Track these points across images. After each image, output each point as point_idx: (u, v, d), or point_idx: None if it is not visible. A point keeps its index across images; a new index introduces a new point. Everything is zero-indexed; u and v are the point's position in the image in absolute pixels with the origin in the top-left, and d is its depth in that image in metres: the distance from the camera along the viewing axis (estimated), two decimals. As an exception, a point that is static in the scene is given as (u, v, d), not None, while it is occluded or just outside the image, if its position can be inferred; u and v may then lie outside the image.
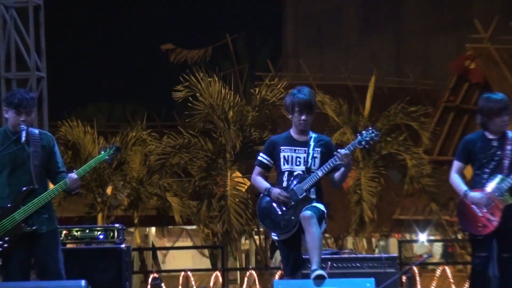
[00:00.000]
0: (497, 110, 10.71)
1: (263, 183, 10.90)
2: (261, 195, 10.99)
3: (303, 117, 10.77)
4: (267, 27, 47.50)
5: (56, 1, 24.50)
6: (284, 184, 10.79)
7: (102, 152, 11.20)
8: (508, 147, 10.66)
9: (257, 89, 28.41)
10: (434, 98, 35.22)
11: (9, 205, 10.83)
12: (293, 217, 10.67)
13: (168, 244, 34.09)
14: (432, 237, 29.97)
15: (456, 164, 11.07)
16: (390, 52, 46.37)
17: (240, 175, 26.76)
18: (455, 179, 10.96)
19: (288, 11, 51.02)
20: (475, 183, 10.85)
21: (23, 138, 10.83)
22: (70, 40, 46.64)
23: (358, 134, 11.03)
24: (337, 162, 10.58)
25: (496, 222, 10.60)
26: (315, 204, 10.69)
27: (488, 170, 10.74)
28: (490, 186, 10.66)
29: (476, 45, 34.41)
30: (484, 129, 10.86)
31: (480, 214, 10.69)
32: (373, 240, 30.47)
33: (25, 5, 21.02)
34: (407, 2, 48.21)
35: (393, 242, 32.94)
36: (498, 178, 10.66)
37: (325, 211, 10.83)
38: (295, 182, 10.75)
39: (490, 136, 10.81)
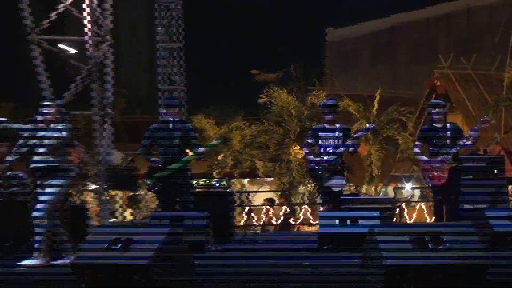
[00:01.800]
0: (431, 106, 10.93)
1: (310, 156, 10.99)
2: (309, 162, 11.07)
3: (330, 115, 10.95)
4: (315, 59, 47.18)
5: (193, 44, 24.49)
6: (322, 155, 10.84)
7: (215, 140, 11.47)
8: (448, 132, 10.73)
9: (309, 97, 28.30)
10: (415, 103, 34.75)
11: (160, 165, 10.93)
12: (327, 175, 10.76)
13: (255, 189, 34.01)
14: (413, 186, 29.55)
15: (417, 144, 11.17)
16: (389, 75, 45.99)
17: (299, 148, 26.66)
18: (418, 153, 11.01)
19: (328, 50, 50.99)
20: (431, 155, 10.84)
21: (170, 126, 11.05)
22: (199, 66, 46.96)
23: (364, 127, 11.31)
24: (352, 142, 10.73)
25: (445, 177, 10.64)
26: (339, 189, 10.93)
27: (437, 147, 10.76)
28: (440, 156, 10.68)
29: (440, 70, 34.01)
30: (432, 122, 10.92)
31: (435, 173, 10.72)
32: (378, 187, 30.12)
33: (172, 46, 21.02)
34: (398, 46, 47.84)
35: (390, 189, 32.52)
36: (444, 151, 10.66)
37: (345, 185, 11.31)
38: (328, 154, 10.81)
39: (437, 126, 10.84)
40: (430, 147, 10.93)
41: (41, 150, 8.70)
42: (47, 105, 8.82)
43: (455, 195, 10.80)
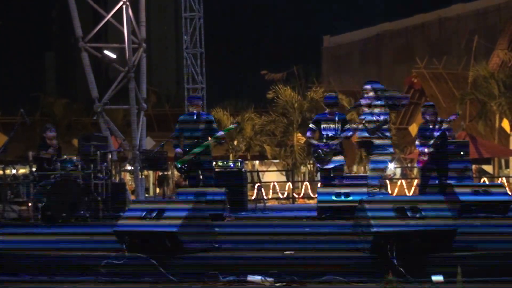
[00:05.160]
0: (424, 109, 11.22)
1: (314, 141, 10.85)
2: (313, 146, 10.96)
3: (332, 110, 10.77)
4: (314, 62, 47.14)
5: (212, 50, 24.41)
6: (324, 140, 10.68)
7: (232, 124, 11.33)
8: (436, 127, 10.90)
9: (309, 93, 28.28)
10: (396, 97, 34.72)
11: (187, 149, 10.91)
12: (328, 158, 10.62)
13: (264, 169, 34.00)
14: (395, 166, 29.54)
15: (417, 139, 11.30)
16: (375, 74, 45.89)
17: (300, 135, 26.67)
18: (417, 144, 11.25)
19: (324, 54, 50.89)
20: (424, 143, 11.02)
21: (195, 117, 10.96)
22: (217, 67, 46.84)
23: (354, 123, 11.20)
24: (350, 130, 10.47)
25: (425, 159, 10.91)
26: (340, 163, 10.68)
27: (427, 138, 10.94)
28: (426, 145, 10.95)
29: (417, 70, 34.03)
30: (426, 121, 11.12)
31: (422, 156, 10.99)
32: (366, 167, 30.07)
33: (196, 51, 20.96)
34: (382, 50, 47.70)
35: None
36: (430, 141, 10.85)
37: (344, 162, 10.93)
38: (330, 140, 10.64)
39: (429, 123, 11.06)
40: (422, 139, 11.15)
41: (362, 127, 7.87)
42: (366, 88, 7.97)
43: (442, 173, 10.95)
